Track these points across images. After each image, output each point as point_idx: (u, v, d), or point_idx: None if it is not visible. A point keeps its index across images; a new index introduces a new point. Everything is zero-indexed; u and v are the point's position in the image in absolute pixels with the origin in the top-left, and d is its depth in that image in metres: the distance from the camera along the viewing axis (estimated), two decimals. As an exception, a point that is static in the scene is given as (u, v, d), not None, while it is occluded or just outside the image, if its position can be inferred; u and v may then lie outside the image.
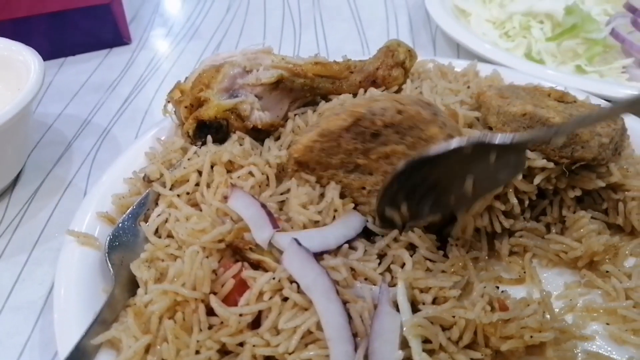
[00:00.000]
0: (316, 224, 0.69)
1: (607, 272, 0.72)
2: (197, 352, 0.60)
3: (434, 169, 0.67)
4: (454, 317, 0.62)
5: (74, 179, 0.96)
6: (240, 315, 0.61)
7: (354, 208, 0.72)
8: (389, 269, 0.69)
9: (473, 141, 0.65)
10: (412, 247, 0.71)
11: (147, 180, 0.79)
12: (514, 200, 0.75)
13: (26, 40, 0.97)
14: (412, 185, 0.69)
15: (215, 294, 0.63)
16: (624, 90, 1.00)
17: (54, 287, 0.68)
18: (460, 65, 1.01)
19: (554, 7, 1.24)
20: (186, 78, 0.88)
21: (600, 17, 1.26)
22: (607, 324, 0.68)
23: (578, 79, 1.05)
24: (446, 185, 0.69)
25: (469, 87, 0.91)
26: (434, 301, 0.65)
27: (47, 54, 0.94)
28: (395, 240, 0.72)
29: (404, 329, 0.61)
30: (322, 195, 0.73)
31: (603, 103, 0.91)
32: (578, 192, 0.76)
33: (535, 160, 0.74)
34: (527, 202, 0.75)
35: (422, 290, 0.66)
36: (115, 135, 1.06)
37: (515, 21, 1.25)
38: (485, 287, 0.66)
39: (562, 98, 0.86)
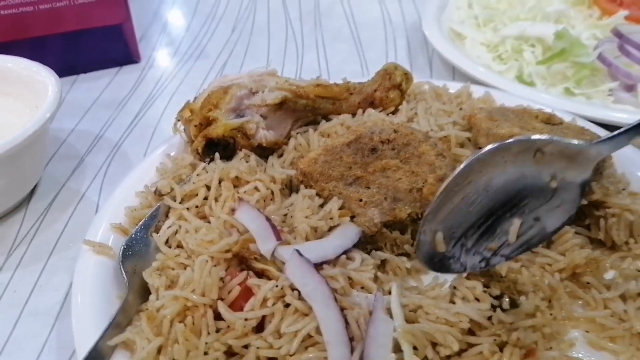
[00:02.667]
0: (317, 231, 0.74)
1: (587, 283, 0.77)
2: (206, 353, 0.65)
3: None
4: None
5: (87, 192, 1.01)
6: (246, 319, 0.66)
7: (351, 219, 0.77)
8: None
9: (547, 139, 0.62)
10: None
11: (158, 194, 0.85)
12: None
13: (41, 58, 1.02)
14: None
15: (222, 300, 0.68)
16: (609, 113, 1.06)
17: (72, 292, 0.72)
18: (454, 87, 1.07)
19: (545, 32, 1.30)
20: (195, 98, 0.93)
21: (589, 42, 1.31)
22: (587, 331, 0.73)
23: (566, 101, 1.11)
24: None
25: (461, 108, 0.97)
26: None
27: (61, 72, 0.99)
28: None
29: (397, 333, 0.66)
30: (321, 206, 0.78)
31: (588, 125, 0.96)
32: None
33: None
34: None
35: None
36: (126, 150, 1.11)
37: (507, 45, 1.31)
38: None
39: (549, 120, 0.92)
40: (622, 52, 1.23)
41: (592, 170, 0.66)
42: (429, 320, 0.67)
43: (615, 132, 0.66)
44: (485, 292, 0.69)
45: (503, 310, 0.68)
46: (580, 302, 0.76)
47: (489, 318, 0.67)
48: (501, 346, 0.67)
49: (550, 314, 0.71)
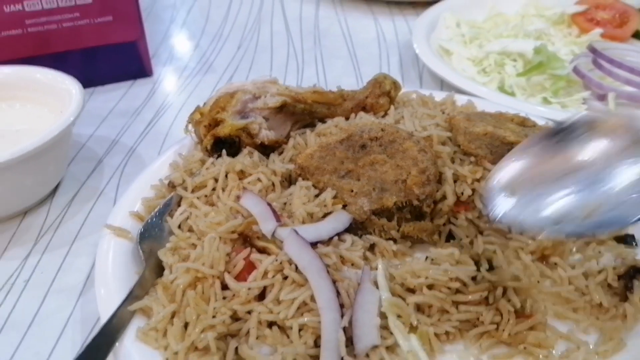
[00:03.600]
0: (312, 217, 0.84)
1: (555, 263, 0.86)
2: (214, 317, 0.74)
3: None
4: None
5: (105, 189, 1.11)
6: (249, 289, 0.74)
7: (343, 207, 0.87)
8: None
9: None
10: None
11: (171, 186, 0.94)
12: (479, 205, 0.90)
13: (62, 72, 1.12)
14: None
15: (228, 272, 0.77)
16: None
17: (95, 267, 0.81)
18: (440, 95, 1.17)
19: (526, 48, 1.41)
20: (205, 103, 1.04)
21: (567, 57, 1.43)
22: (553, 304, 0.82)
23: (542, 108, 1.21)
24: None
25: (444, 113, 1.07)
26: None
27: (80, 84, 1.10)
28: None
29: (383, 306, 0.75)
30: (317, 196, 0.88)
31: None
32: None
33: (496, 171, 0.89)
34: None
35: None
36: (140, 153, 1.21)
37: (491, 59, 1.42)
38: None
39: (523, 123, 1.02)
40: (595, 65, 1.33)
41: None
42: (419, 282, 0.76)
43: None
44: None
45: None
46: (548, 280, 0.85)
47: (474, 279, 0.76)
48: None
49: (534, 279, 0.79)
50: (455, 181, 0.89)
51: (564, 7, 1.62)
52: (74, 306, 0.87)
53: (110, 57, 1.43)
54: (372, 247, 0.87)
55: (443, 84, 1.41)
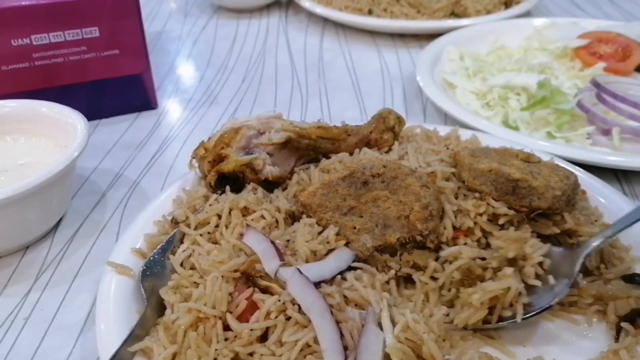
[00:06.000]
0: (316, 254, 0.83)
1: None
2: (215, 359, 0.73)
3: None
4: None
5: (108, 223, 1.10)
6: (251, 330, 0.74)
7: (346, 244, 0.86)
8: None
9: None
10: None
11: (175, 222, 0.94)
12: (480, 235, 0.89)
13: (68, 104, 1.13)
14: None
15: (231, 312, 0.76)
16: (585, 153, 1.16)
17: (96, 306, 0.81)
18: (444, 130, 1.17)
19: (529, 82, 1.41)
20: (209, 138, 1.04)
21: (571, 91, 1.43)
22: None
23: (547, 143, 1.21)
24: None
25: (448, 148, 1.07)
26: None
27: (85, 116, 1.09)
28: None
29: (388, 348, 0.74)
30: (320, 233, 0.87)
31: (564, 163, 1.06)
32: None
33: (499, 208, 0.89)
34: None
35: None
36: (144, 186, 1.21)
37: (495, 93, 1.42)
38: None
39: (528, 159, 1.01)
40: (599, 100, 1.33)
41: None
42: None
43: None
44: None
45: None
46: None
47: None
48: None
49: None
50: (456, 216, 0.89)
51: (567, 41, 1.63)
52: (74, 345, 0.86)
53: (116, 90, 1.44)
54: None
55: (447, 118, 1.41)
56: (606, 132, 1.27)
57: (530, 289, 0.81)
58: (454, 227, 0.89)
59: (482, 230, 0.88)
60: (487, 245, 0.88)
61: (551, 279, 0.82)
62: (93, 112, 1.43)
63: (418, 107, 1.50)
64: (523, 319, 0.79)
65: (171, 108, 1.54)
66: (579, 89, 1.41)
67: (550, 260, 0.84)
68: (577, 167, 1.07)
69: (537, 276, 0.82)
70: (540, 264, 0.83)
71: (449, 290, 0.84)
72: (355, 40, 1.94)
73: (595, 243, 0.85)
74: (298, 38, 1.99)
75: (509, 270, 0.81)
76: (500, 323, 0.80)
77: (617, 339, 0.80)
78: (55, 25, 1.30)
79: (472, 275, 0.83)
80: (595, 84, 1.36)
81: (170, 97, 1.59)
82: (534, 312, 0.80)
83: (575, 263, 0.84)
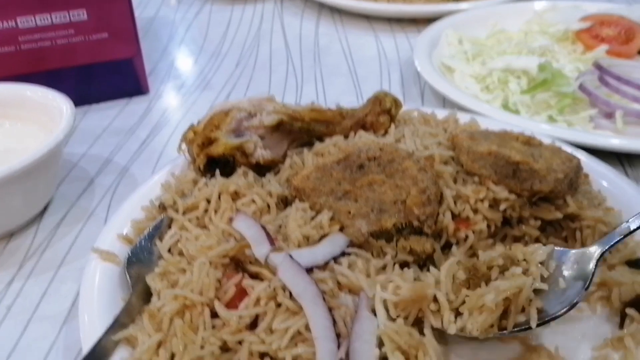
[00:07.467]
0: (308, 240, 0.80)
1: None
2: (202, 347, 0.69)
3: None
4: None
5: (96, 210, 1.07)
6: (240, 317, 0.71)
7: (340, 230, 0.83)
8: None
9: None
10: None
11: (162, 207, 0.91)
12: (483, 226, 0.86)
13: (56, 89, 1.10)
14: None
15: (219, 299, 0.73)
16: (588, 136, 1.13)
17: (80, 293, 0.78)
18: (442, 113, 1.14)
19: (530, 65, 1.38)
20: (199, 121, 1.00)
21: (572, 74, 1.39)
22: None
23: (548, 126, 1.17)
24: None
25: (446, 131, 1.03)
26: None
27: (74, 102, 1.05)
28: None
29: (380, 331, 0.71)
30: (313, 218, 0.84)
31: (564, 146, 1.02)
32: (538, 223, 0.87)
33: (500, 192, 0.85)
34: (492, 229, 0.86)
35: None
36: (134, 172, 1.18)
37: (494, 76, 1.39)
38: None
39: (529, 142, 0.98)
40: (602, 83, 1.30)
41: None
42: None
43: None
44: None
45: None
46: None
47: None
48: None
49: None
50: (456, 202, 0.85)
51: (568, 24, 1.59)
52: (57, 335, 0.82)
53: (106, 75, 1.40)
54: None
55: (445, 102, 1.37)
56: (609, 115, 1.23)
57: (539, 293, 0.74)
58: (454, 215, 0.85)
59: (485, 218, 0.84)
60: (490, 236, 0.85)
61: (561, 282, 0.75)
62: (82, 97, 1.40)
63: (416, 92, 1.46)
64: (537, 325, 0.71)
65: (163, 93, 1.50)
66: (581, 72, 1.37)
67: (557, 262, 0.77)
68: (580, 150, 1.04)
69: (543, 279, 0.75)
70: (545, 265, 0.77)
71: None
72: (352, 25, 1.90)
73: (612, 242, 0.79)
74: (293, 23, 1.95)
75: (517, 268, 0.74)
76: (514, 329, 0.71)
77: (621, 326, 0.77)
78: (42, 7, 1.27)
79: (478, 274, 0.75)
80: (598, 67, 1.32)
81: (162, 83, 1.55)
82: (549, 318, 0.72)
83: (589, 264, 0.77)
